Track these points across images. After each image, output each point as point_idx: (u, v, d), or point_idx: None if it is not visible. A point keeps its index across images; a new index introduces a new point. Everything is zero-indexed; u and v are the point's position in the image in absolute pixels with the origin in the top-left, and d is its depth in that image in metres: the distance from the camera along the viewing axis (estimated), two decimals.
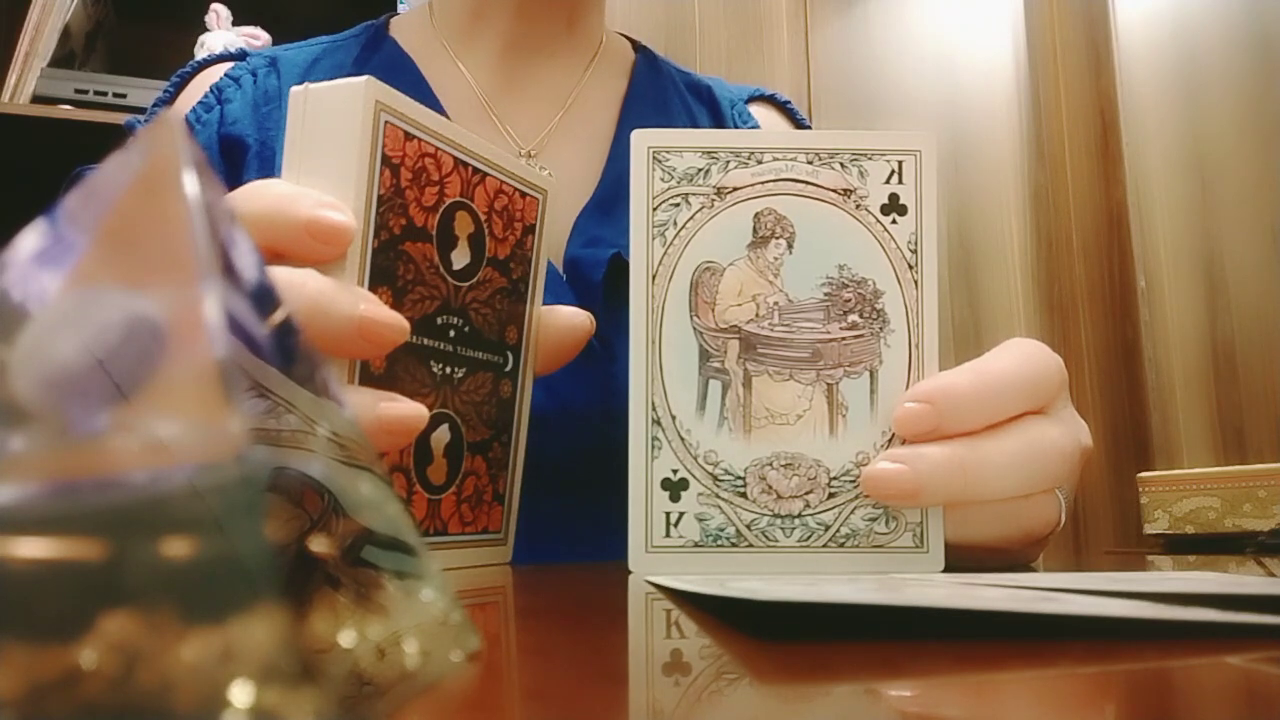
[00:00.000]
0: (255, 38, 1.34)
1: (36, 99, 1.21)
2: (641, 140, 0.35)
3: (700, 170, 0.35)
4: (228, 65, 0.61)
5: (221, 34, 1.33)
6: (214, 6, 1.35)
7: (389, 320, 0.30)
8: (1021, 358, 0.33)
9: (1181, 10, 1.63)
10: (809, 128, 0.70)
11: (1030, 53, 1.72)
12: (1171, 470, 1.27)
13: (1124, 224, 1.62)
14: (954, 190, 1.65)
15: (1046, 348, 0.35)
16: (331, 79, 0.33)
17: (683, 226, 0.34)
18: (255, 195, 0.31)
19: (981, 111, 1.69)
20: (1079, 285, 1.66)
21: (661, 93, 0.63)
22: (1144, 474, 1.16)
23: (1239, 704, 0.13)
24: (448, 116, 0.36)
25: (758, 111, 0.68)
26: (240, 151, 0.55)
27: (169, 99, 0.62)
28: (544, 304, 0.42)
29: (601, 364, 0.50)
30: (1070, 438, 0.34)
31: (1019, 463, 0.32)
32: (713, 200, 0.34)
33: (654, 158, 0.34)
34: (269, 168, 0.54)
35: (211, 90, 0.58)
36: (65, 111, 1.21)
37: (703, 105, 0.65)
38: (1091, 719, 0.13)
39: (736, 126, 0.65)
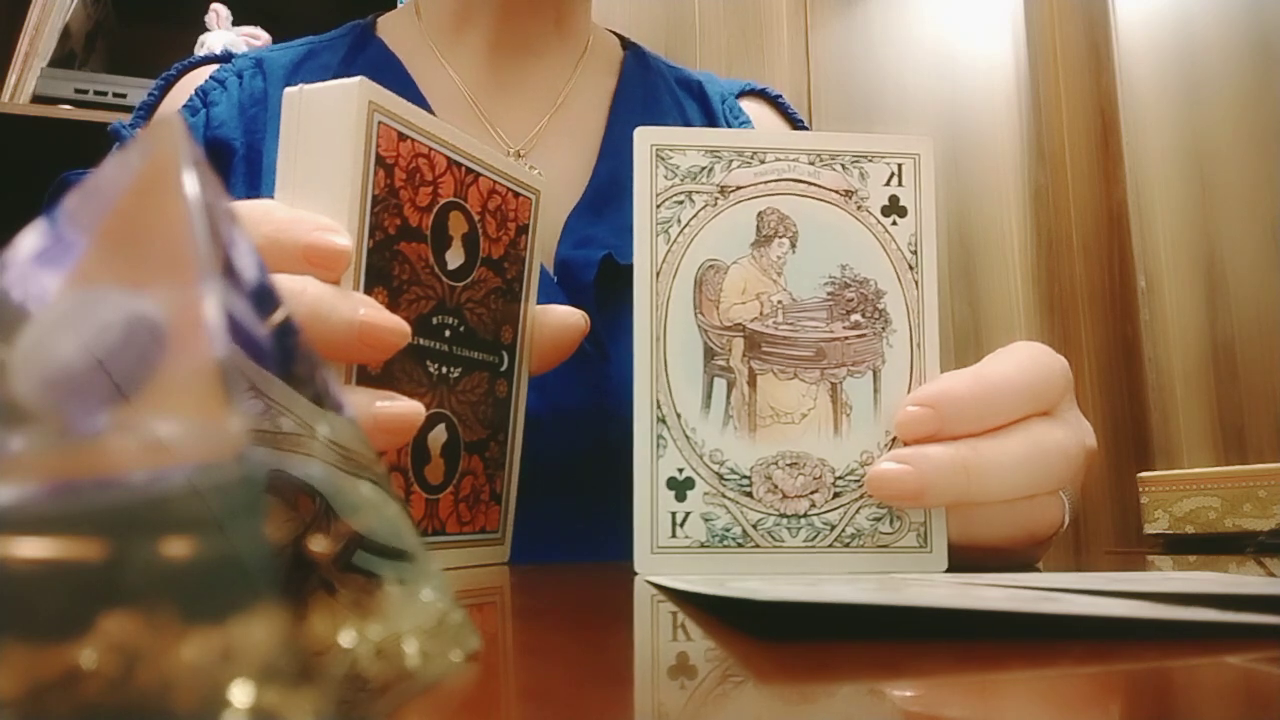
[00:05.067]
0: (255, 38, 1.34)
1: (36, 99, 1.21)
2: (645, 138, 0.35)
3: (703, 169, 0.35)
4: (213, 67, 0.60)
5: (221, 34, 1.33)
6: (214, 6, 1.35)
7: (390, 324, 0.30)
8: (1024, 361, 0.33)
9: (1181, 10, 1.63)
10: (801, 122, 0.70)
11: (1030, 53, 1.72)
12: (1172, 470, 1.27)
13: (1124, 224, 1.62)
14: (954, 190, 1.65)
15: (1051, 350, 0.35)
16: (318, 80, 0.33)
17: (686, 224, 0.34)
18: (252, 222, 0.31)
19: (981, 111, 1.69)
20: (1079, 285, 1.66)
21: (652, 90, 0.63)
22: (1144, 474, 1.16)
23: (1239, 704, 0.13)
24: (436, 117, 0.36)
25: (749, 106, 0.67)
26: (227, 155, 0.55)
27: (154, 103, 0.61)
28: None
29: (595, 365, 0.50)
30: (1074, 439, 0.34)
31: (1023, 464, 0.32)
32: (716, 199, 0.34)
33: (657, 155, 0.35)
34: (256, 171, 0.54)
35: (196, 93, 0.58)
36: (65, 111, 1.21)
37: (693, 101, 0.65)
38: (1091, 719, 0.13)
39: (728, 122, 0.64)
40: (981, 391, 0.32)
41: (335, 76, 0.33)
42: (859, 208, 0.35)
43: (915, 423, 0.32)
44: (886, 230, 0.35)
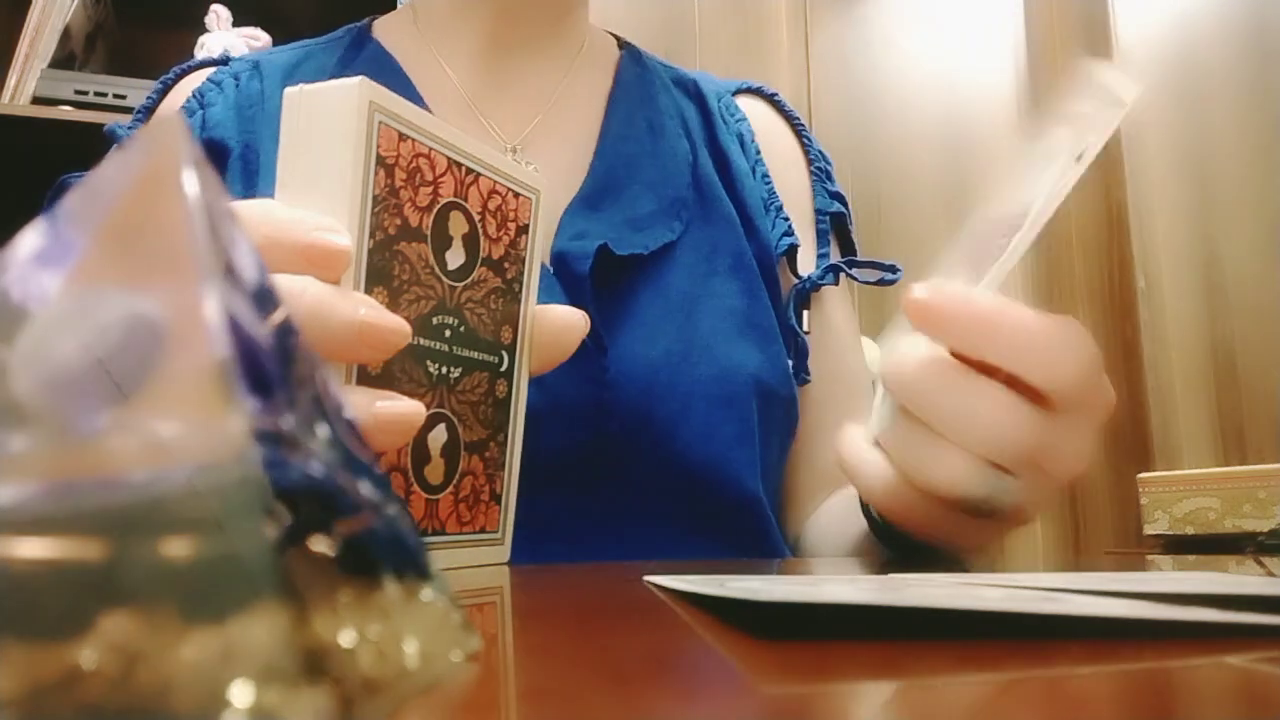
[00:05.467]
0: (255, 39, 1.34)
1: (36, 100, 1.22)
2: None
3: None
4: (210, 70, 0.61)
5: (221, 35, 1.33)
6: (214, 8, 1.35)
7: (390, 324, 0.30)
8: (1057, 330, 0.33)
9: (1181, 10, 1.63)
10: (797, 120, 0.70)
11: (1030, 53, 1.72)
12: (1171, 471, 1.27)
13: (1124, 224, 1.62)
14: (953, 190, 1.65)
15: (1092, 341, 0.34)
16: (316, 80, 0.33)
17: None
18: (252, 222, 0.30)
19: (981, 112, 1.69)
20: (1079, 285, 1.66)
21: (648, 88, 0.63)
22: (1144, 474, 1.16)
23: (1239, 704, 0.13)
24: (432, 114, 0.36)
25: (746, 104, 0.68)
26: (222, 156, 0.55)
27: (153, 106, 0.62)
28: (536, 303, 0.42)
29: (593, 358, 0.50)
30: (1040, 438, 0.33)
31: (971, 414, 0.33)
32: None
33: None
34: (252, 171, 0.54)
35: (193, 95, 0.58)
36: (65, 112, 1.21)
37: (690, 100, 0.65)
38: (1091, 719, 0.13)
39: (725, 121, 0.65)
40: (1001, 321, 0.33)
41: (332, 77, 0.33)
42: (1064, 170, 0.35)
43: (926, 304, 0.33)
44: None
